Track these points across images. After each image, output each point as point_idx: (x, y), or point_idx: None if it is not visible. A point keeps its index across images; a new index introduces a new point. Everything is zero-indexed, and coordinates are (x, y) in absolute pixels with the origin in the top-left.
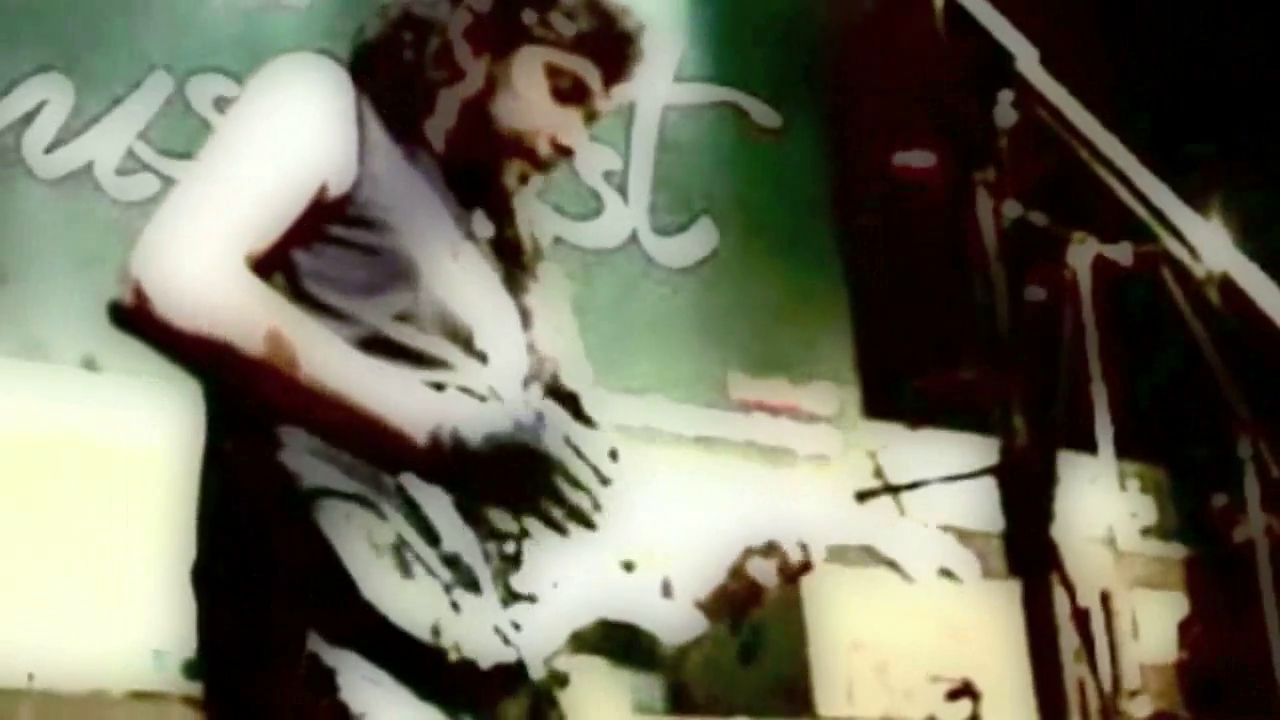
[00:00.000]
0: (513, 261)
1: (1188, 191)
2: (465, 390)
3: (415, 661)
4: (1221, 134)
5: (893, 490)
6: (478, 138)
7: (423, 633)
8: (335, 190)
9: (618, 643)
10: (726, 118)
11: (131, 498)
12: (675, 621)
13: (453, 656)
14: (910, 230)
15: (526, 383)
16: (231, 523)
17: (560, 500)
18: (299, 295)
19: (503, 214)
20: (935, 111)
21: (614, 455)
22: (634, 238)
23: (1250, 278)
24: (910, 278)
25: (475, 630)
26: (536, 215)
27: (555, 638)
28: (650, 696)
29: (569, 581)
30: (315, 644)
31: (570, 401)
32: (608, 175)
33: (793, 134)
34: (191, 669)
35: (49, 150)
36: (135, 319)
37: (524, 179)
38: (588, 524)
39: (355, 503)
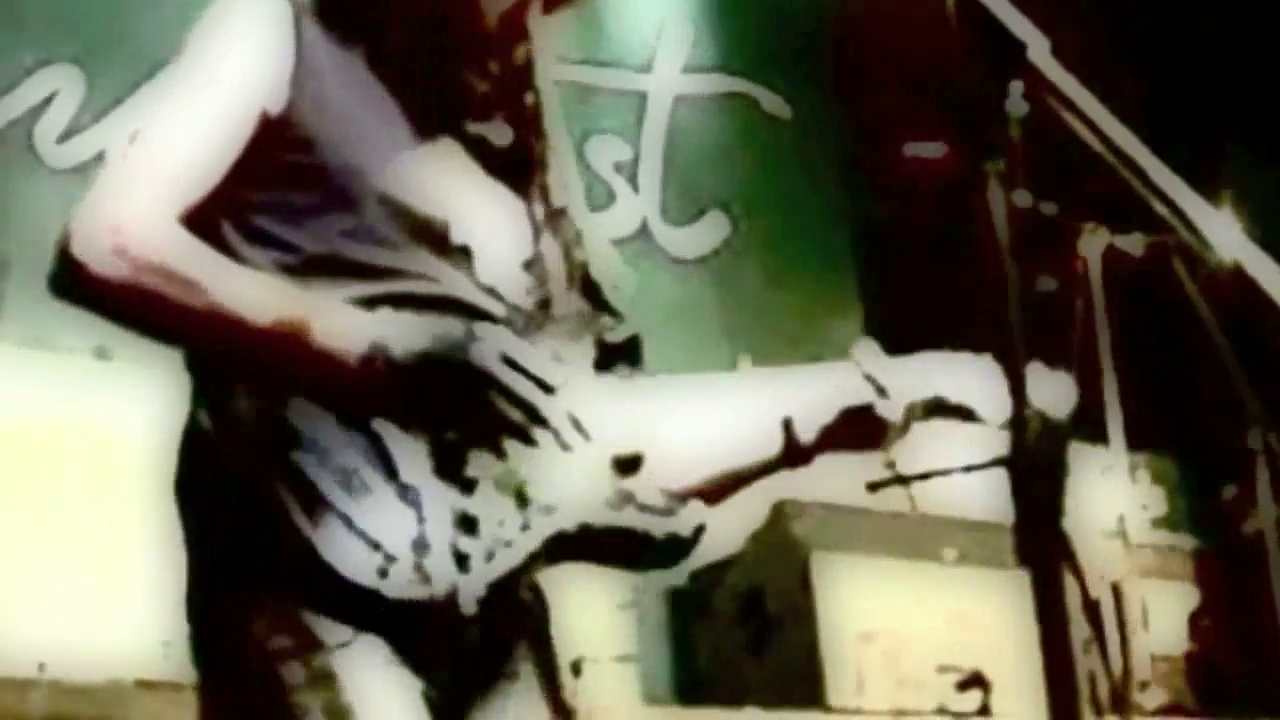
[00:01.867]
0: (519, 163)
1: (1200, 181)
2: (437, 295)
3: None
4: (1235, 123)
5: (904, 480)
6: (427, 42)
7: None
8: (273, 112)
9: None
10: (738, 108)
11: (142, 487)
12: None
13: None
14: (921, 221)
15: (529, 266)
16: (214, 503)
17: (497, 416)
18: (250, 233)
19: (507, 116)
20: (947, 102)
21: (636, 348)
22: (644, 228)
23: (1262, 268)
24: (921, 268)
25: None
26: (557, 122)
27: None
28: (661, 688)
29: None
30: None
31: (592, 291)
32: (618, 165)
33: (804, 124)
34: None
35: (60, 141)
36: (64, 279)
37: (484, 73)
38: (527, 440)
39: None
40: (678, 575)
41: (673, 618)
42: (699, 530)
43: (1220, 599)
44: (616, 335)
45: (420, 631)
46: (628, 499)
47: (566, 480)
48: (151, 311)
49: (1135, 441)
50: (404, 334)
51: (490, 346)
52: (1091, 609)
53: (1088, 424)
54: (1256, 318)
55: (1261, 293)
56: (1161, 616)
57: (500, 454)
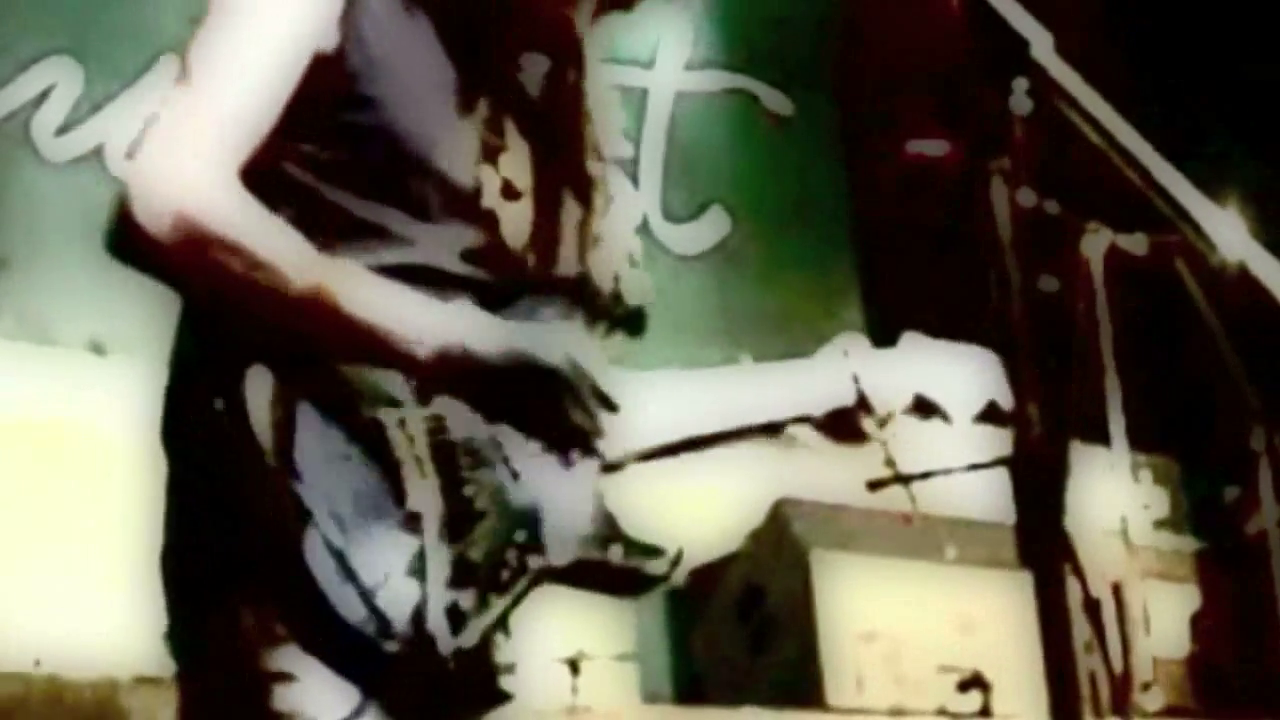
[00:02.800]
0: (560, 122)
1: (1204, 180)
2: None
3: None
4: (1239, 121)
5: (904, 480)
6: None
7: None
8: (328, 52)
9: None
10: (739, 104)
11: (139, 482)
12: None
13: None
14: (923, 219)
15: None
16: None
17: (568, 422)
18: (307, 195)
19: (567, 64)
20: (950, 99)
21: (640, 319)
22: (644, 224)
23: (1267, 268)
24: (923, 266)
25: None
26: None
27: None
28: (660, 686)
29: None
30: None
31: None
32: (618, 161)
33: (806, 121)
34: None
35: (58, 134)
36: (124, 241)
37: (552, 31)
38: (591, 450)
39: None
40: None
41: (672, 616)
42: (678, 558)
43: (1222, 600)
44: (623, 307)
45: (400, 679)
46: (614, 536)
47: (562, 508)
48: (212, 280)
49: (1137, 442)
50: (479, 329)
51: (561, 347)
52: (1093, 610)
53: (1090, 424)
54: (1260, 318)
55: (1266, 293)
56: (1163, 618)
57: (566, 459)
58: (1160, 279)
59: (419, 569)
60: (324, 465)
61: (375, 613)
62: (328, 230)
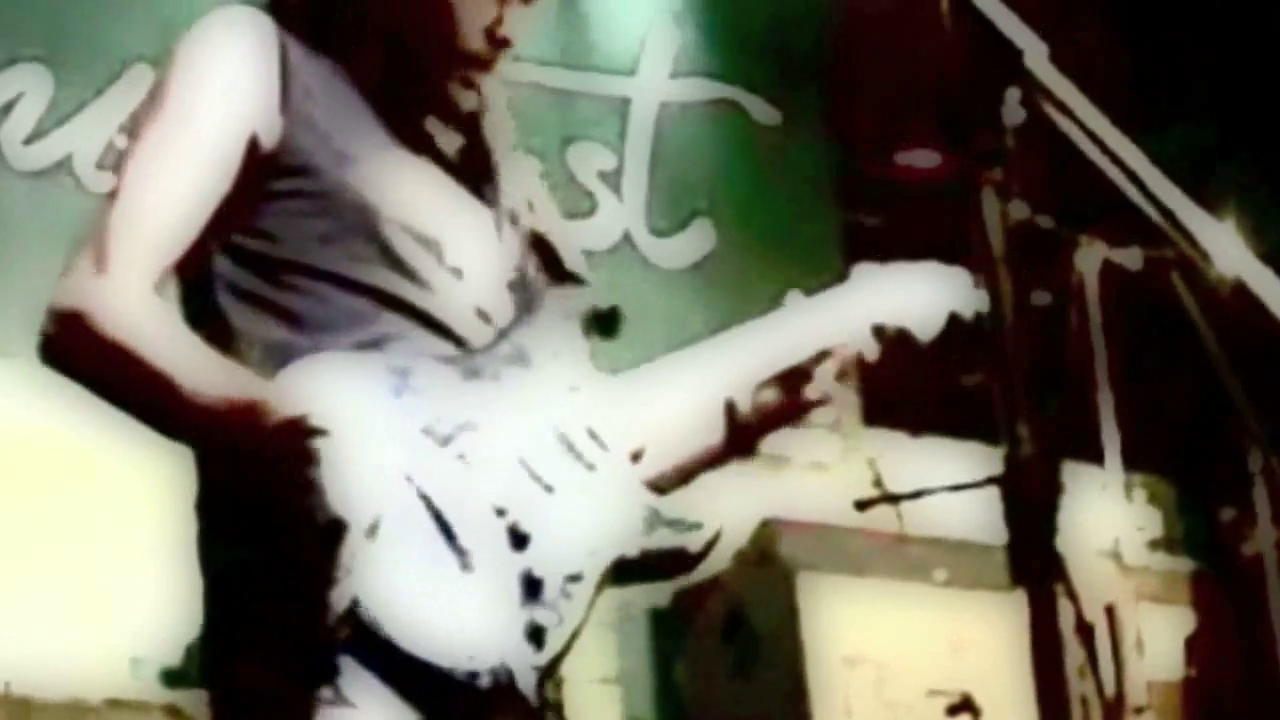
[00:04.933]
0: (480, 171)
1: (1201, 194)
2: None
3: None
4: (1238, 133)
5: (893, 499)
6: (406, 55)
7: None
8: (267, 142)
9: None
10: (725, 115)
11: (109, 501)
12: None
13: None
14: (914, 232)
15: (512, 288)
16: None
17: None
18: (245, 259)
19: (463, 126)
20: (940, 110)
21: (614, 320)
22: (628, 238)
23: (1264, 283)
24: None
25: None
26: (503, 119)
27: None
28: (642, 710)
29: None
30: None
31: (553, 262)
32: (602, 173)
33: (793, 132)
34: (170, 677)
35: (27, 142)
36: (41, 349)
37: (469, 85)
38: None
39: None
40: (665, 593)
41: (655, 639)
42: (717, 537)
43: (1218, 623)
44: (595, 306)
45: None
46: (656, 519)
47: (600, 512)
48: (115, 389)
49: (1131, 461)
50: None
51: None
52: (1085, 632)
53: (1083, 443)
54: (1258, 335)
55: (1263, 310)
56: (1157, 641)
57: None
58: (1155, 294)
59: (490, 600)
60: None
61: (461, 652)
62: (281, 318)
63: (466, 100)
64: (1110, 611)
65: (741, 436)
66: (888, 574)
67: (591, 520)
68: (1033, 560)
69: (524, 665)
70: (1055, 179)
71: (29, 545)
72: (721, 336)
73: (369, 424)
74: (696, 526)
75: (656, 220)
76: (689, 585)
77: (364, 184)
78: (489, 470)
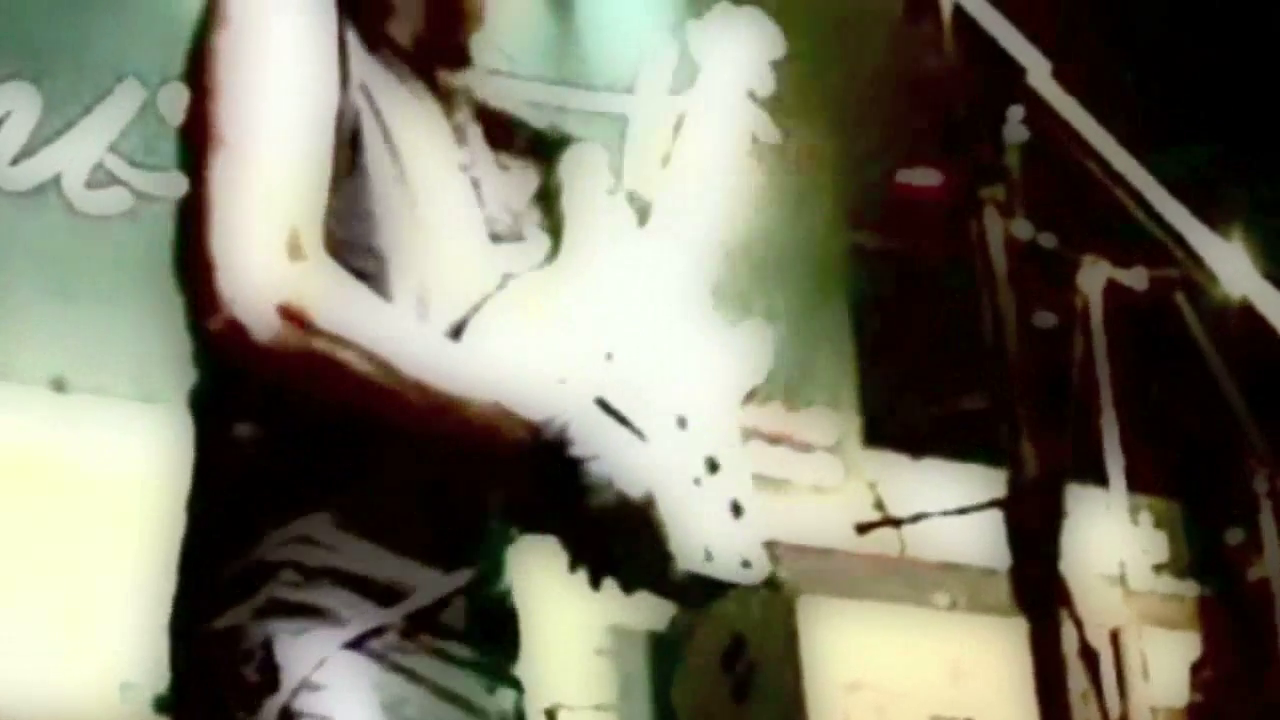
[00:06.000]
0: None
1: (1207, 212)
2: None
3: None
4: (1244, 151)
5: (894, 523)
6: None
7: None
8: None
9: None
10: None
11: (100, 522)
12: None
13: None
14: (915, 251)
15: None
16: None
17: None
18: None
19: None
20: (943, 128)
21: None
22: None
23: (1271, 303)
24: (915, 301)
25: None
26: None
27: None
28: None
29: None
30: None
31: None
32: None
33: (795, 150)
34: (161, 702)
35: (15, 162)
36: (232, 351)
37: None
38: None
39: None
40: (663, 617)
41: (652, 664)
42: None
43: (1224, 648)
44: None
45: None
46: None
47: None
48: (324, 380)
49: (1137, 484)
50: (587, 418)
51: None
52: (1089, 658)
53: (1087, 465)
54: (1264, 355)
55: (1270, 330)
56: (1162, 666)
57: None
58: (1160, 314)
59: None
60: None
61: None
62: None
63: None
64: (1115, 636)
65: None
66: (889, 598)
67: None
68: (1036, 584)
69: (734, 539)
70: (1059, 198)
71: (17, 568)
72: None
73: None
74: (747, 565)
75: None
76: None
77: (408, 167)
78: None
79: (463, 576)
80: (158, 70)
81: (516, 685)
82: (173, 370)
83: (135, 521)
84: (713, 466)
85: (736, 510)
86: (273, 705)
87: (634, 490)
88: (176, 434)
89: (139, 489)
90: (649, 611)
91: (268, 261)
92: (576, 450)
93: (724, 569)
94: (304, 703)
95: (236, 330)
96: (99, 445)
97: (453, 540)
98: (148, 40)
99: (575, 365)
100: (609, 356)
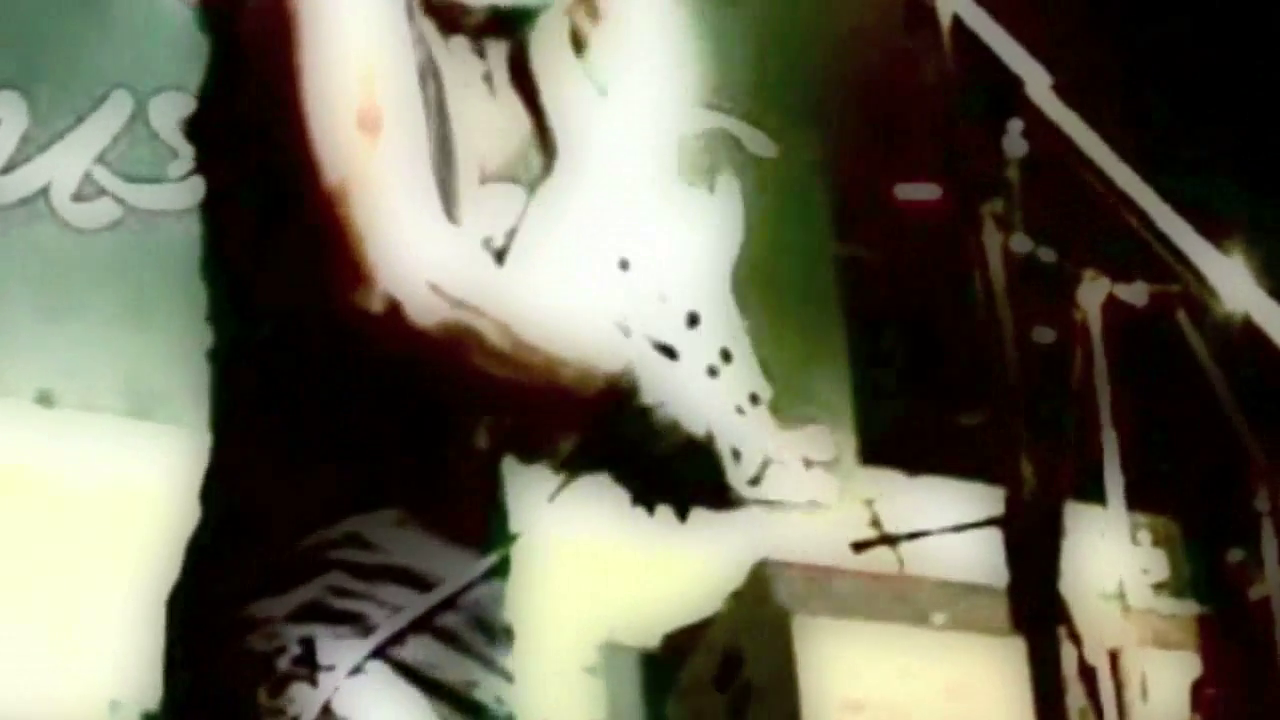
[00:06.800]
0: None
1: (1208, 227)
2: None
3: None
4: (1245, 165)
5: (891, 541)
6: None
7: None
8: None
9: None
10: (720, 147)
11: (87, 538)
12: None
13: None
14: (913, 266)
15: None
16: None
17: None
18: None
19: None
20: (941, 142)
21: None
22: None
23: (1273, 320)
24: (912, 316)
25: None
26: None
27: None
28: None
29: None
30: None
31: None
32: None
33: (790, 164)
34: None
35: (2, 173)
36: (385, 331)
37: None
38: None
39: None
40: (655, 636)
41: (645, 684)
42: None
43: (1225, 668)
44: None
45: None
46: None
47: None
48: (463, 350)
49: (1136, 502)
50: (658, 375)
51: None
52: (1088, 677)
53: (1087, 483)
54: (1266, 372)
55: (1271, 347)
56: (1162, 686)
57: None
58: (1161, 330)
59: None
60: None
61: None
62: None
63: None
64: (1114, 656)
65: None
66: (886, 617)
67: None
68: (1035, 603)
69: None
70: (1059, 212)
71: (2, 584)
72: None
73: None
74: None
75: None
76: (681, 627)
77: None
78: None
79: (487, 561)
80: (147, 80)
81: (508, 676)
82: (161, 386)
83: (123, 537)
84: (726, 356)
85: (754, 399)
86: (312, 701)
87: (697, 429)
88: (173, 446)
89: (127, 504)
90: (641, 631)
91: (418, 237)
92: (645, 398)
93: (773, 490)
94: (344, 704)
95: (392, 306)
96: (86, 460)
97: (489, 524)
98: (138, 51)
99: (632, 309)
100: (624, 265)
